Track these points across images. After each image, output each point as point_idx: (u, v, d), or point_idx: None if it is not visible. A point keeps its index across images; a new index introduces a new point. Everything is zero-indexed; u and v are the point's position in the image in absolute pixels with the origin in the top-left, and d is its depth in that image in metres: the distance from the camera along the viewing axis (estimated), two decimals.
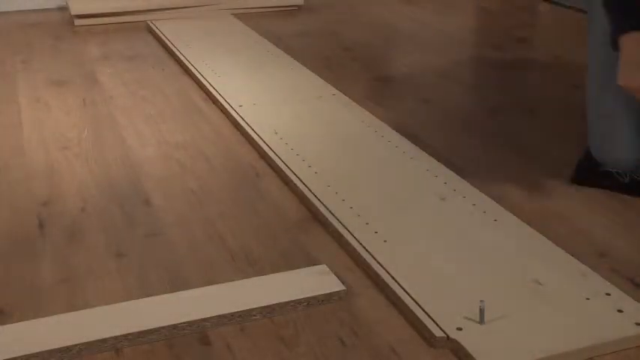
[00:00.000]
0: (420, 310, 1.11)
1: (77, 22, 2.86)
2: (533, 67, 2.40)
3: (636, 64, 1.28)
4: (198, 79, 2.18)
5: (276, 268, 1.25)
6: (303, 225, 1.40)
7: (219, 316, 1.11)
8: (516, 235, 1.31)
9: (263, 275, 1.23)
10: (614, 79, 1.32)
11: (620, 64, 1.30)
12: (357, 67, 2.35)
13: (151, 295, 1.18)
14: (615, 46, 1.32)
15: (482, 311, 1.07)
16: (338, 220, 1.37)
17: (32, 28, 2.86)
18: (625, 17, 1.30)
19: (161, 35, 2.64)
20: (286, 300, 1.14)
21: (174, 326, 1.09)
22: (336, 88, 2.07)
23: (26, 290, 1.21)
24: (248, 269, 1.26)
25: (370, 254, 1.26)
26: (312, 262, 1.27)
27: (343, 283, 1.19)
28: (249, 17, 2.93)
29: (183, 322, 1.09)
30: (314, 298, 1.15)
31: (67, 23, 2.91)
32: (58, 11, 3.09)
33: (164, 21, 2.84)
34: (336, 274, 1.21)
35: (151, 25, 2.80)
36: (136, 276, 1.24)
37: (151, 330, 1.08)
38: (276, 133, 1.76)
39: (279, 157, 1.63)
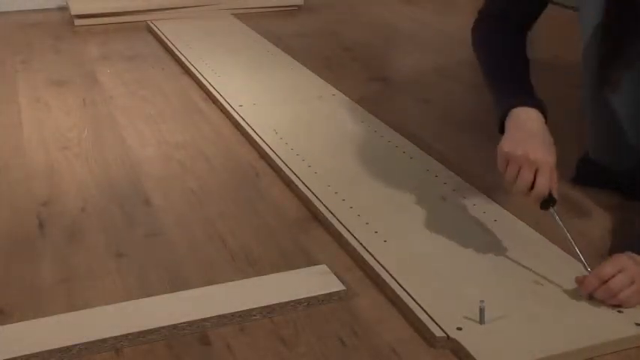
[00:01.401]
0: (420, 310, 1.11)
1: (77, 22, 2.86)
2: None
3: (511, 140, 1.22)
4: (198, 79, 2.18)
5: (276, 268, 1.25)
6: (303, 225, 1.40)
7: (219, 316, 1.11)
8: (516, 235, 1.31)
9: (263, 275, 1.23)
10: (610, 79, 1.31)
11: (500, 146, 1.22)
12: (357, 67, 2.35)
13: (151, 295, 1.18)
14: (502, 129, 1.26)
15: (482, 311, 1.07)
16: (338, 220, 1.37)
17: (32, 28, 2.86)
18: (507, 98, 1.27)
19: (161, 35, 2.64)
20: (286, 300, 1.14)
21: (174, 326, 1.09)
22: (336, 88, 2.07)
23: (26, 290, 1.21)
24: (248, 269, 1.26)
25: (370, 254, 1.26)
26: (312, 262, 1.27)
27: (343, 283, 1.19)
28: (249, 17, 2.93)
29: (183, 322, 1.09)
30: (314, 298, 1.15)
31: (67, 23, 2.91)
32: (58, 11, 3.09)
33: (164, 21, 2.84)
34: (336, 274, 1.21)
35: (151, 25, 2.80)
36: (136, 276, 1.24)
37: (151, 330, 1.08)
38: (276, 133, 1.76)
39: (279, 157, 1.63)
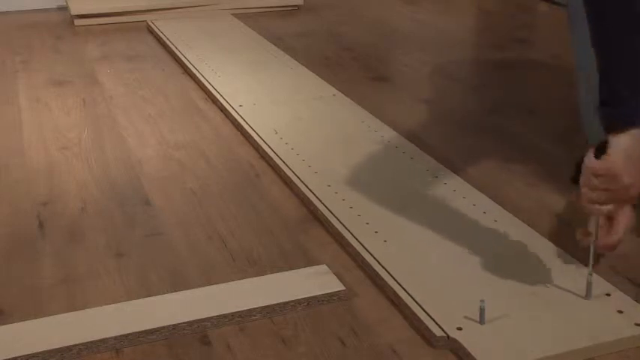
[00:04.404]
0: (420, 309, 1.11)
1: (77, 22, 2.86)
2: (533, 67, 2.40)
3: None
4: (199, 79, 2.18)
5: (276, 268, 1.25)
6: (303, 225, 1.40)
7: (219, 316, 1.11)
8: (516, 235, 1.31)
9: (263, 275, 1.23)
10: None
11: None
12: (357, 67, 2.35)
13: (151, 295, 1.18)
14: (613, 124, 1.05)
15: (482, 311, 1.07)
16: (338, 220, 1.37)
17: (32, 28, 2.86)
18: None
19: (161, 35, 2.64)
20: (286, 300, 1.14)
21: (174, 326, 1.09)
22: (336, 88, 2.07)
23: (26, 290, 1.21)
24: (248, 269, 1.26)
25: (370, 254, 1.26)
26: (312, 262, 1.27)
27: (343, 283, 1.19)
28: (249, 17, 2.93)
29: (183, 322, 1.09)
30: (314, 298, 1.15)
31: (67, 23, 2.91)
32: (58, 11, 3.09)
33: (164, 21, 2.84)
34: (336, 274, 1.21)
35: (151, 25, 2.80)
36: (136, 276, 1.24)
37: (151, 330, 1.08)
38: (276, 132, 1.76)
39: (279, 157, 1.63)
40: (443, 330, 1.06)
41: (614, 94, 1.06)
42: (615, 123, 1.05)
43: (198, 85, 2.17)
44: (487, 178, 1.56)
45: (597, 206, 1.07)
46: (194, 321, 1.10)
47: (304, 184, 1.51)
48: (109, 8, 2.88)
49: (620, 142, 1.04)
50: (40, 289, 1.21)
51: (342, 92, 2.04)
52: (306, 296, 1.15)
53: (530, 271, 1.20)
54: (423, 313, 1.10)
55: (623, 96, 1.05)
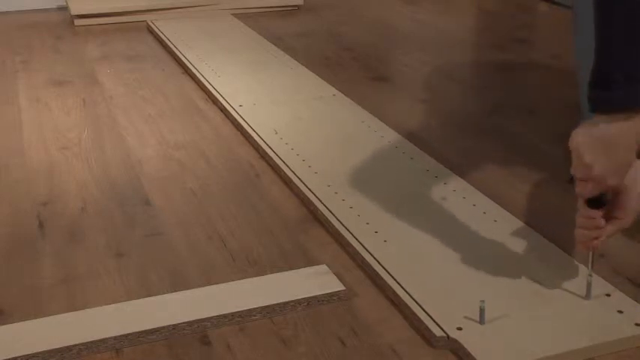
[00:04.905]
0: (420, 309, 1.11)
1: (77, 22, 2.86)
2: (533, 67, 2.40)
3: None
4: (199, 79, 2.18)
5: (276, 268, 1.25)
6: (303, 225, 1.40)
7: (219, 316, 1.11)
8: (516, 235, 1.31)
9: (263, 275, 1.23)
10: None
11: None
12: (357, 67, 2.35)
13: (151, 295, 1.18)
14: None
15: (482, 311, 1.07)
16: (338, 220, 1.37)
17: (32, 28, 2.86)
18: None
19: (161, 35, 2.64)
20: (286, 300, 1.14)
21: (174, 326, 1.09)
22: (336, 88, 2.07)
23: (26, 290, 1.21)
24: (248, 269, 1.26)
25: (370, 254, 1.26)
26: (312, 262, 1.27)
27: (343, 283, 1.19)
28: (249, 17, 2.93)
29: (183, 322, 1.10)
30: (314, 298, 1.15)
31: (67, 23, 2.91)
32: (58, 11, 3.09)
33: (164, 21, 2.84)
34: (336, 274, 1.21)
35: (151, 25, 2.80)
36: (136, 276, 1.24)
37: (151, 330, 1.08)
38: (276, 133, 1.76)
39: (279, 157, 1.63)
40: (443, 330, 1.06)
41: (607, 76, 1.03)
42: (609, 104, 1.02)
43: (198, 85, 2.17)
44: (487, 178, 1.56)
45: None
46: (194, 321, 1.10)
47: (304, 184, 1.51)
48: (109, 8, 2.88)
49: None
50: (40, 289, 1.21)
51: (342, 92, 2.04)
52: (306, 296, 1.15)
53: (530, 271, 1.20)
54: (423, 313, 1.10)
55: (617, 79, 1.01)
